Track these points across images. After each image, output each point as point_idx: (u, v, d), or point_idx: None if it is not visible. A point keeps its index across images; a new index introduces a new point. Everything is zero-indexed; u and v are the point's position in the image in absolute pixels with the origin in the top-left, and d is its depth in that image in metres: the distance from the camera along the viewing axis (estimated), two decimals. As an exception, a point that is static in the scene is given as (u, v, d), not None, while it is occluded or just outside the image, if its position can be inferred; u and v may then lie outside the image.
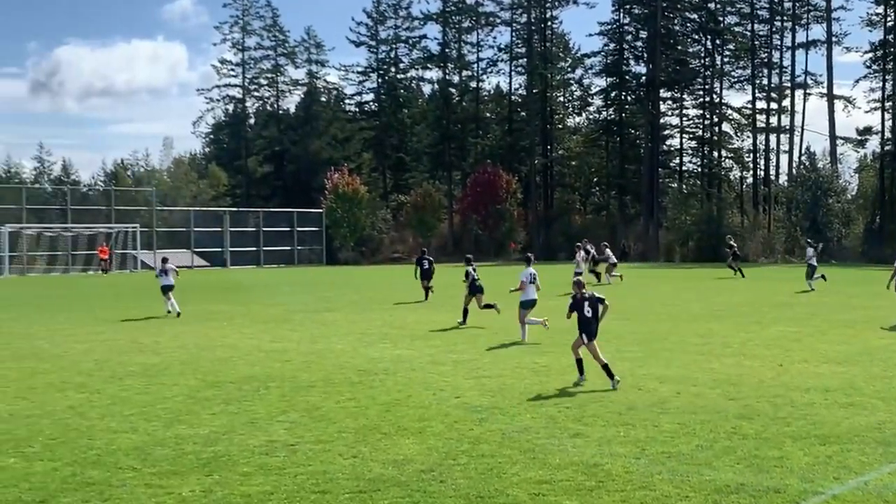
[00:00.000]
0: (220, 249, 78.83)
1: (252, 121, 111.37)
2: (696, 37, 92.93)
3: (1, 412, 14.07)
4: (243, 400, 14.85)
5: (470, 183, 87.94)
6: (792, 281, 44.94)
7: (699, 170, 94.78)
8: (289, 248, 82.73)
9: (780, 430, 12.33)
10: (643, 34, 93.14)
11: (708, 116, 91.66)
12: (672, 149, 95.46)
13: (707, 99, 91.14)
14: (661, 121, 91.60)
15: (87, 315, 30.86)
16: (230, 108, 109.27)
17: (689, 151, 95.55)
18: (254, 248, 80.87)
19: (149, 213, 78.11)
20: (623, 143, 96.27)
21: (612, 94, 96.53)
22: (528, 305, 22.91)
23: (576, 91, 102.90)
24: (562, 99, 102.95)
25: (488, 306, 26.74)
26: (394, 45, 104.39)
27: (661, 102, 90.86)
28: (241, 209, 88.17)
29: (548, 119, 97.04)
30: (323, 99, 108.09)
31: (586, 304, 16.00)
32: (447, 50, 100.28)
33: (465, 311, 26.59)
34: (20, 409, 14.28)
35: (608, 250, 46.35)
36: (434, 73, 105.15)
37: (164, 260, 32.10)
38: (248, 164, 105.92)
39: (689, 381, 16.21)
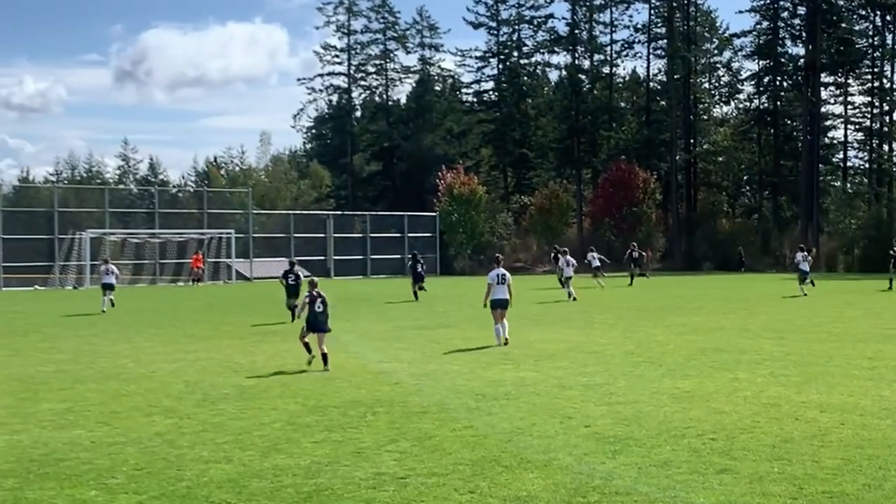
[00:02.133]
0: (322, 258, 79.70)
1: (358, 113, 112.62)
2: (863, 12, 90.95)
3: (81, 439, 14.39)
4: (348, 427, 14.96)
5: (602, 182, 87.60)
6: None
7: (866, 166, 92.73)
8: (398, 256, 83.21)
9: (964, 469, 11.98)
10: (801, 10, 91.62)
11: (877, 104, 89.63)
12: (835, 142, 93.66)
13: (875, 84, 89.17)
14: (822, 110, 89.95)
15: (176, 331, 31.49)
16: (334, 99, 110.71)
17: (855, 145, 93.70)
18: (360, 257, 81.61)
19: (244, 216, 79.31)
20: (778, 135, 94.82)
21: (765, 80, 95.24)
22: (497, 305, 25.83)
23: (723, 76, 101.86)
24: (707, 85, 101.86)
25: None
26: (516, 27, 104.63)
27: (821, 88, 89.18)
28: (345, 213, 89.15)
29: (691, 109, 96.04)
30: (437, 88, 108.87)
31: None
32: (577, 31, 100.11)
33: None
34: (102, 436, 14.59)
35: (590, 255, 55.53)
36: (562, 58, 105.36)
37: (106, 261, 44.30)
38: (353, 161, 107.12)
39: (855, 409, 15.85)
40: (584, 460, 12.51)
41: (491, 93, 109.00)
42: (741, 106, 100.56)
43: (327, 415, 15.97)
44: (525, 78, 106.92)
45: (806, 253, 48.63)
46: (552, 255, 62.54)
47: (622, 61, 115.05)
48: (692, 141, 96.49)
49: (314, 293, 21.80)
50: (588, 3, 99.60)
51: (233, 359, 23.42)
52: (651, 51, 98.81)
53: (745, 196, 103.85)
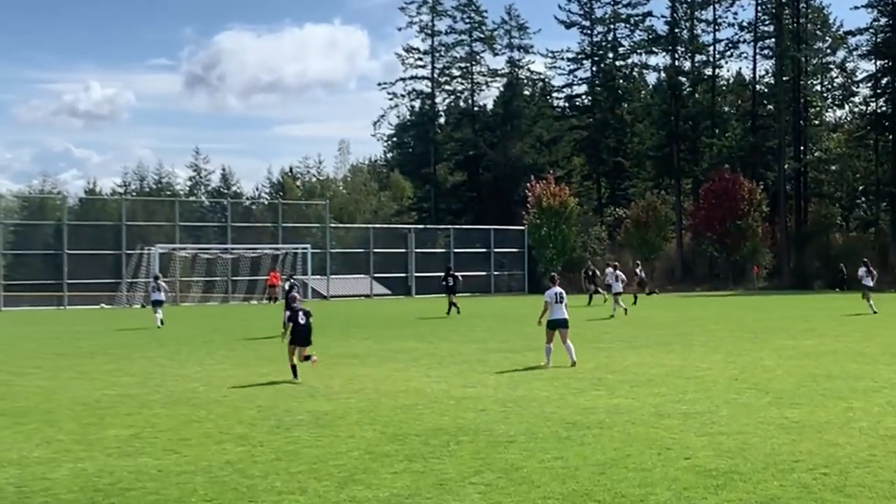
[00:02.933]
0: (403, 275, 79.98)
1: (442, 120, 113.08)
2: None
3: (148, 468, 14.57)
4: (430, 457, 15.01)
5: (703, 193, 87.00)
6: None
7: None
8: (484, 273, 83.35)
9: None
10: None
11: None
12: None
13: None
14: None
15: (249, 352, 31.82)
16: (416, 104, 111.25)
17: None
18: (443, 274, 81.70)
19: (321, 230, 79.90)
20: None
21: (883, 81, 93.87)
22: (555, 325, 26.46)
23: (837, 78, 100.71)
24: (819, 88, 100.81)
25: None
26: (612, 26, 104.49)
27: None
28: (428, 226, 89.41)
29: (801, 113, 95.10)
30: (526, 92, 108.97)
31: None
32: (677, 30, 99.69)
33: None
34: (171, 465, 14.78)
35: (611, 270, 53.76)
36: (660, 59, 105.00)
37: (156, 277, 48.26)
38: (436, 171, 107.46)
39: (982, 442, 15.59)
40: (684, 495, 12.44)
41: (584, 97, 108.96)
42: (856, 110, 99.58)
43: (408, 443, 16.03)
44: (621, 81, 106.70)
45: (868, 268, 49.73)
46: (584, 271, 63.42)
47: (726, 62, 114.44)
48: (802, 148, 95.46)
49: (297, 307, 24.29)
50: (689, 0, 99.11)
51: (308, 382, 23.57)
52: (758, 50, 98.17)
53: (861, 208, 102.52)
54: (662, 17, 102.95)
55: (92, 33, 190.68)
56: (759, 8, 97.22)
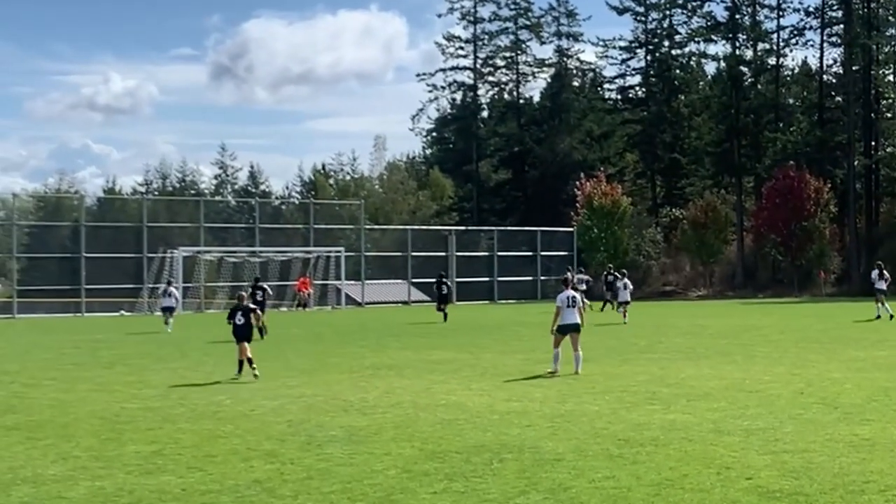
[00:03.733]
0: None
1: (485, 113, 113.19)
2: None
3: (171, 486, 14.65)
4: (472, 476, 15.02)
5: (766, 192, 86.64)
6: None
7: None
8: (531, 277, 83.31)
9: None
10: None
11: None
12: None
13: None
14: None
15: (278, 363, 31.95)
16: (458, 97, 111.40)
17: None
18: (486, 279, 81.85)
19: (356, 232, 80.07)
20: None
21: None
22: (565, 330, 27.47)
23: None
24: (892, 78, 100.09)
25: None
26: (667, 12, 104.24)
27: None
28: (469, 228, 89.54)
29: (872, 106, 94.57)
30: (575, 84, 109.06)
31: None
32: (737, 16, 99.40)
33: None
34: (195, 483, 14.84)
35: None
36: (720, 48, 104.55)
37: (169, 283, 52.69)
38: (479, 169, 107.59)
39: None
40: (744, 519, 12.41)
41: (637, 89, 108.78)
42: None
43: (448, 461, 16.05)
44: (677, 71, 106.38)
45: (881, 270, 51.23)
46: (605, 275, 64.79)
47: (791, 51, 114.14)
48: (873, 143, 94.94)
49: (240, 305, 28.29)
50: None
51: (341, 396, 23.65)
52: (825, 38, 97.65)
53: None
54: (722, 2, 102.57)
55: (111, 22, 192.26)
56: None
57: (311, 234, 76.88)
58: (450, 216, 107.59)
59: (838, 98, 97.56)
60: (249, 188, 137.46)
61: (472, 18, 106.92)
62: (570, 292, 27.88)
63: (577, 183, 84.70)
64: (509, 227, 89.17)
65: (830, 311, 59.34)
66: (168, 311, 48.67)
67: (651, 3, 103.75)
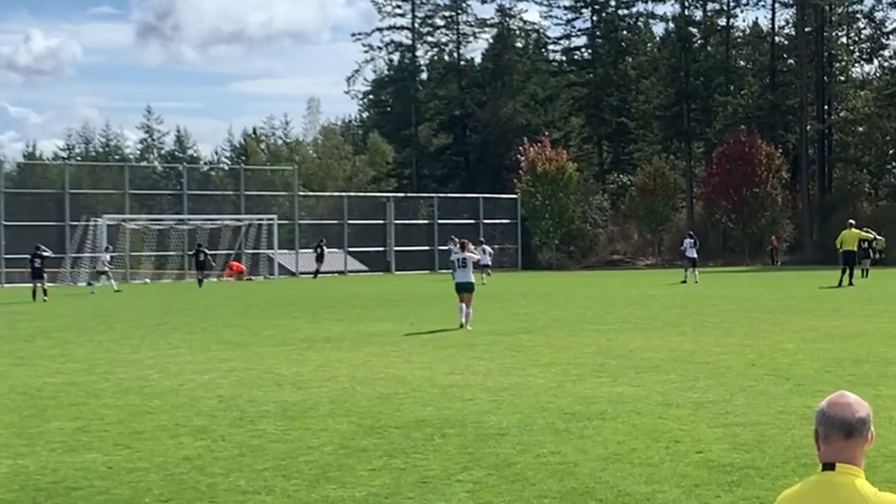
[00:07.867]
0: (381, 249, 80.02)
1: (424, 75, 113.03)
2: None
3: (97, 464, 14.53)
4: (412, 452, 15.01)
5: (717, 157, 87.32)
6: None
7: None
8: (473, 246, 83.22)
9: None
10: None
11: None
12: None
13: None
14: None
15: (209, 336, 31.78)
16: (395, 58, 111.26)
17: None
18: (426, 248, 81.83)
19: (289, 199, 79.88)
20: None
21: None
22: (459, 289, 32.46)
23: (864, 29, 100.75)
24: (845, 40, 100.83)
25: None
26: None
27: None
28: (409, 195, 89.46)
29: (825, 69, 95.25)
30: (518, 45, 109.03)
31: None
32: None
33: None
34: (121, 461, 14.73)
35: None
36: (668, 8, 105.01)
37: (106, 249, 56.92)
38: (418, 133, 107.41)
39: None
40: (695, 493, 12.47)
41: (583, 50, 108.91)
42: (886, 65, 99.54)
43: (387, 437, 16.04)
44: (624, 32, 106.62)
45: (693, 240, 56.53)
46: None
47: (741, 11, 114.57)
48: (826, 107, 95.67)
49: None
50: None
51: (275, 369, 23.58)
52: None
53: (891, 174, 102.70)
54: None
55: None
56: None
57: (242, 202, 76.60)
58: (388, 182, 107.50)
59: (790, 60, 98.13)
60: (177, 153, 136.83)
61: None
62: (463, 254, 33.31)
63: (521, 148, 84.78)
64: (450, 194, 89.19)
65: (782, 280, 59.79)
66: (105, 274, 50.66)
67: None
